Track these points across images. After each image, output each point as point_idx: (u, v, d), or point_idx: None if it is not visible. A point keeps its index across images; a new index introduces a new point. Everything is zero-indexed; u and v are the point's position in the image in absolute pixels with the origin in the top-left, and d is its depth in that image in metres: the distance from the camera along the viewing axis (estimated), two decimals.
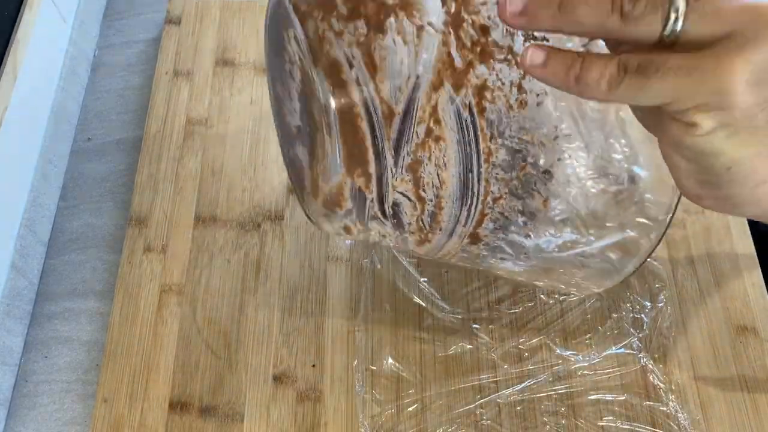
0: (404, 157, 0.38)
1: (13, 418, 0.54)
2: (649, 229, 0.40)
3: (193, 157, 0.63)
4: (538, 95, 0.37)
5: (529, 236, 0.41)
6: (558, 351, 0.53)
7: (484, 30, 0.37)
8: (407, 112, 0.38)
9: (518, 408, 0.51)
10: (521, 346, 0.53)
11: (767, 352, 0.53)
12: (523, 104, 0.37)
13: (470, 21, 0.37)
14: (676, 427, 0.50)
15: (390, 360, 0.53)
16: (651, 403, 0.51)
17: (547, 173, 0.38)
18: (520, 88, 0.37)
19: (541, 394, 0.52)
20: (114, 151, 0.65)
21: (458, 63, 0.37)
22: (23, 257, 0.57)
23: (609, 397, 0.51)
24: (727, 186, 0.30)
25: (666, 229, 0.40)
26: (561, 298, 0.55)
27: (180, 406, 0.52)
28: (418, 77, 0.37)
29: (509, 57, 0.37)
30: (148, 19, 0.73)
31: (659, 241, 0.40)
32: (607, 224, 0.40)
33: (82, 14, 0.69)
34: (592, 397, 0.51)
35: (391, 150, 0.38)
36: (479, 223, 0.40)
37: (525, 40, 0.37)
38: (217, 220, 0.59)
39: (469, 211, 0.40)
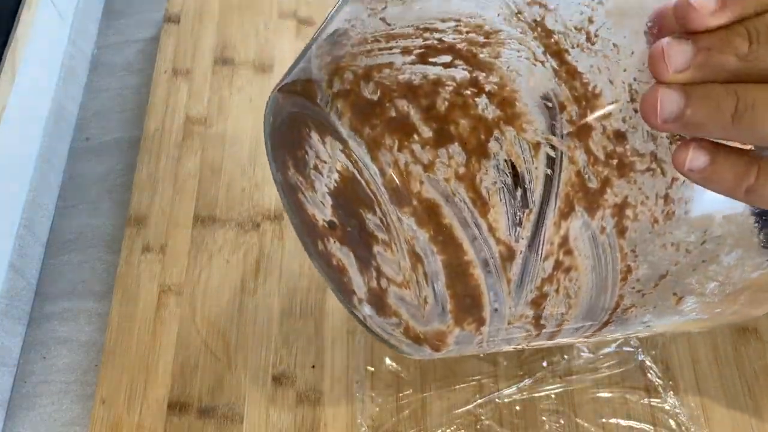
0: (528, 294, 0.32)
1: (11, 419, 0.54)
2: None
3: (192, 156, 0.62)
4: (687, 203, 0.31)
5: (649, 327, 0.36)
6: (557, 349, 0.53)
7: (620, 137, 0.30)
8: (531, 248, 0.31)
9: (517, 407, 0.51)
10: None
11: None
12: (670, 215, 0.31)
13: (601, 128, 0.30)
14: (675, 424, 0.50)
15: (389, 360, 0.53)
16: (650, 400, 0.51)
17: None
18: (666, 198, 0.30)
19: (541, 393, 0.51)
20: (113, 150, 0.65)
21: (591, 183, 0.30)
22: (22, 257, 0.57)
23: (608, 394, 0.51)
24: None
25: None
26: None
27: (179, 407, 0.52)
28: (542, 207, 0.30)
29: (653, 166, 0.30)
30: (147, 18, 0.73)
31: None
32: (740, 300, 0.35)
33: (81, 13, 0.69)
34: (592, 395, 0.51)
35: (511, 293, 0.32)
36: (599, 330, 0.35)
37: (671, 143, 0.30)
38: (216, 220, 0.59)
39: (592, 325, 0.35)
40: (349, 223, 0.36)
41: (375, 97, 0.31)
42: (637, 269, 0.32)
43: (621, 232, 0.31)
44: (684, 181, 0.30)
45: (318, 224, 0.39)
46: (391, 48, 0.32)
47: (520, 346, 0.37)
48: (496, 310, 0.33)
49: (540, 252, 0.31)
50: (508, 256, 0.31)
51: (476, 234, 0.30)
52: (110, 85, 0.69)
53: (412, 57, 0.31)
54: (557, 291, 0.32)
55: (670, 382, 0.52)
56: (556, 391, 0.52)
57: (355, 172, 0.33)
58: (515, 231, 0.30)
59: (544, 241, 0.31)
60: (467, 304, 0.32)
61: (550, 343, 0.37)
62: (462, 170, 0.30)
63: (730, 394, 0.51)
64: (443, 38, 0.31)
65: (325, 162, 0.35)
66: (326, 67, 0.33)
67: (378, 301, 0.37)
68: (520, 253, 0.31)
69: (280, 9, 0.70)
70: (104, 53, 0.71)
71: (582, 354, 0.53)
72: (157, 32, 0.71)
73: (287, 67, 0.37)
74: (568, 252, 0.31)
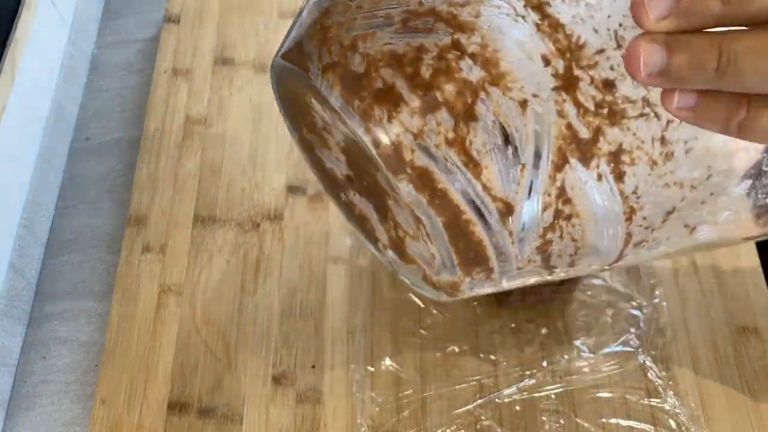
0: (531, 242, 0.32)
1: (11, 419, 0.54)
2: None
3: (192, 156, 0.62)
4: (686, 142, 0.30)
5: (668, 254, 0.36)
6: (557, 349, 0.53)
7: (609, 85, 0.29)
8: (528, 202, 0.31)
9: (517, 408, 0.51)
10: (520, 346, 0.53)
11: None
12: (669, 156, 0.31)
13: (588, 79, 0.29)
14: (675, 424, 0.50)
15: (389, 361, 0.53)
16: (650, 400, 0.51)
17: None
18: (663, 141, 0.30)
19: (541, 394, 0.51)
20: (113, 150, 0.65)
21: (583, 133, 0.30)
22: (22, 257, 0.57)
23: (608, 394, 0.51)
24: None
25: None
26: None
27: (179, 407, 0.52)
28: (535, 161, 0.30)
29: (646, 110, 0.30)
30: (146, 18, 0.73)
31: None
32: (761, 222, 0.34)
33: (81, 14, 0.69)
34: (592, 395, 0.51)
35: (515, 243, 0.32)
36: (616, 262, 0.35)
37: None
38: (216, 220, 0.59)
39: (607, 258, 0.35)
40: (363, 178, 0.37)
41: (362, 69, 0.31)
42: (641, 209, 0.32)
43: (619, 177, 0.31)
44: (681, 122, 0.30)
45: (339, 178, 0.40)
46: (374, 15, 0.31)
47: (541, 278, 0.37)
48: (502, 261, 0.33)
49: (537, 204, 0.31)
50: (507, 211, 0.31)
51: (471, 195, 0.31)
52: (110, 85, 0.69)
53: (395, 23, 0.31)
54: (561, 237, 0.32)
55: (670, 382, 0.52)
56: (556, 391, 0.51)
57: (355, 138, 0.33)
58: (510, 187, 0.30)
59: (540, 193, 0.31)
60: (472, 258, 0.33)
61: (569, 275, 0.37)
62: (451, 135, 0.30)
63: (730, 394, 0.51)
64: (423, 1, 0.31)
65: (331, 124, 0.35)
66: (315, 39, 0.32)
67: (398, 248, 0.37)
68: (518, 206, 0.31)
69: (280, 9, 0.70)
70: (104, 53, 0.71)
71: (582, 354, 0.53)
72: (157, 32, 0.71)
73: None
74: (567, 201, 0.31)
